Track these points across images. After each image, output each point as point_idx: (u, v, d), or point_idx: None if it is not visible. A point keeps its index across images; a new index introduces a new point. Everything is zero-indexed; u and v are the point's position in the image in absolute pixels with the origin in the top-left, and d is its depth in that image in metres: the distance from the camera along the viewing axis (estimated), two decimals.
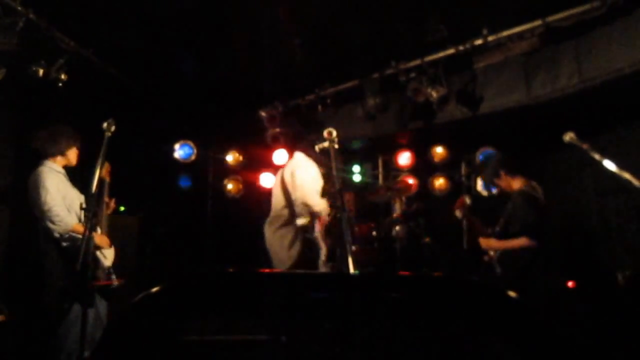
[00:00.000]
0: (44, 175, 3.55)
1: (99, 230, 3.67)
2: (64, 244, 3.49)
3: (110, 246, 3.76)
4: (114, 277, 3.65)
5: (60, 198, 3.54)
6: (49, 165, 3.66)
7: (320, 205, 3.87)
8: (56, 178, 3.62)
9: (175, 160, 6.41)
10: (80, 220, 3.53)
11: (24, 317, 3.81)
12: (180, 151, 6.43)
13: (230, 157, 6.67)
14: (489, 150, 5.78)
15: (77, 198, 3.67)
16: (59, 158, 3.72)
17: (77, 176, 3.86)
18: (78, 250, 3.30)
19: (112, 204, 3.90)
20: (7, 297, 3.94)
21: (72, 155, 3.78)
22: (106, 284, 3.58)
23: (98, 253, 3.60)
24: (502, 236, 3.95)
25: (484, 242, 4.04)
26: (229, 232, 6.48)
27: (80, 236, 3.42)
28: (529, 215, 3.76)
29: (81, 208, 2.95)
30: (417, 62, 5.22)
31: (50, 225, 3.43)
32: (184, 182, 6.76)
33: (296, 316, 1.37)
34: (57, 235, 3.46)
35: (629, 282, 4.03)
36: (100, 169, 3.02)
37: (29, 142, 3.74)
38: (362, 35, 4.97)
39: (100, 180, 3.69)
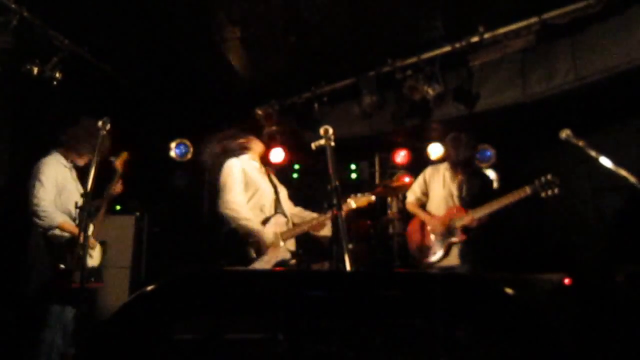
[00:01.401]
0: (44, 167, 3.53)
1: (91, 228, 3.64)
2: (51, 240, 3.47)
3: (96, 246, 3.72)
4: (95, 279, 3.63)
5: (54, 193, 3.52)
6: (55, 157, 3.65)
7: None
8: (57, 170, 3.60)
9: (172, 159, 6.39)
10: (75, 220, 3.50)
11: (7, 314, 3.78)
12: (176, 150, 6.42)
13: None
14: (485, 148, 5.78)
15: (77, 193, 3.64)
16: (69, 154, 3.71)
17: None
18: (63, 247, 3.33)
19: (119, 189, 3.87)
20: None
21: (84, 158, 3.76)
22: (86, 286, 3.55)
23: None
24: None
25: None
26: None
27: (67, 234, 3.42)
28: None
29: (76, 207, 2.93)
30: (414, 59, 5.22)
31: (36, 220, 3.43)
32: (180, 181, 6.74)
33: (292, 314, 1.36)
34: (40, 230, 3.45)
35: (627, 280, 4.04)
36: (96, 167, 3.02)
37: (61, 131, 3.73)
38: (358, 32, 4.96)
39: (113, 170, 3.72)
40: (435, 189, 4.44)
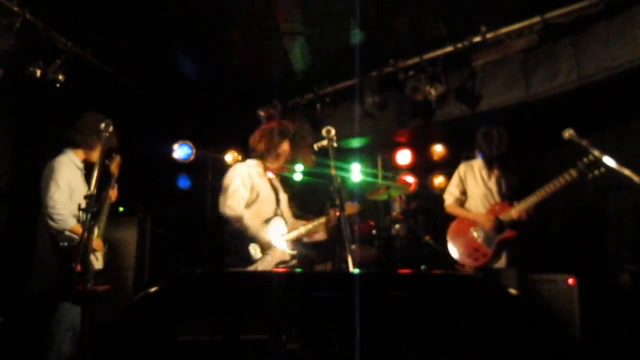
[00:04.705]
0: (59, 168, 3.56)
1: (96, 231, 3.66)
2: (60, 241, 3.49)
3: (103, 249, 3.73)
4: (102, 282, 3.65)
5: (68, 195, 3.55)
6: (69, 157, 3.68)
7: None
8: (71, 172, 3.63)
9: (175, 160, 6.40)
10: (79, 220, 3.52)
11: (17, 315, 3.80)
12: (179, 151, 6.42)
13: (230, 157, 6.65)
14: None
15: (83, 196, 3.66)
16: (81, 151, 3.73)
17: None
18: (72, 249, 3.34)
19: (114, 195, 3.91)
20: (4, 298, 3.93)
21: (96, 152, 3.74)
22: (93, 288, 3.56)
23: (91, 256, 3.59)
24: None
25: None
26: None
27: (77, 237, 3.44)
28: None
29: (79, 209, 2.95)
30: (416, 60, 5.21)
31: (50, 222, 3.45)
32: (183, 182, 6.75)
33: (295, 315, 1.36)
34: (53, 231, 3.47)
35: (632, 280, 4.02)
36: (99, 169, 3.04)
37: (63, 129, 3.75)
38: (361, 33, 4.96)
39: (108, 174, 3.78)
40: (472, 188, 4.26)
